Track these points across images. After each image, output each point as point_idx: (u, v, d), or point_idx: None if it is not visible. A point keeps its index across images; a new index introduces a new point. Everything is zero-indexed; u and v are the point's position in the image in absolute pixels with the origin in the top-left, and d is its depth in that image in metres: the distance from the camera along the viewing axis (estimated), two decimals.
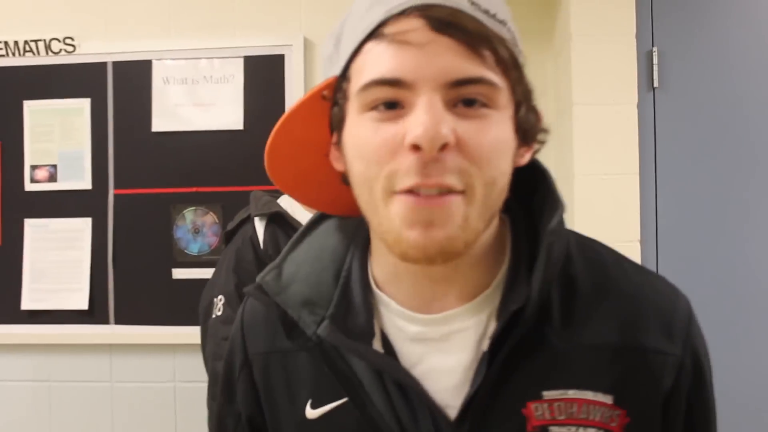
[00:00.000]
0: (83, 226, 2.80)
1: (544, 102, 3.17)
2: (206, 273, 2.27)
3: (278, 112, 2.72)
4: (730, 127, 2.58)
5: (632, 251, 2.58)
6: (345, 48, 0.77)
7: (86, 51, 2.83)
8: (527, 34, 3.07)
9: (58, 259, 2.80)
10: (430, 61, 0.70)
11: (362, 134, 0.73)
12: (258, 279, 0.88)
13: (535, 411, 0.76)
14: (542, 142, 0.82)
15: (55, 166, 2.82)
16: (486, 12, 0.73)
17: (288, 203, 2.29)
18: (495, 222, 0.81)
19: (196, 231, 2.73)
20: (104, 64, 2.82)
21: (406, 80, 0.70)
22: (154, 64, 2.81)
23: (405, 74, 0.70)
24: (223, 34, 2.81)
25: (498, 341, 0.76)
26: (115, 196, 2.79)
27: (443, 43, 0.70)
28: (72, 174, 2.81)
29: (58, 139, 2.82)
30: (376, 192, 0.73)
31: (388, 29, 0.72)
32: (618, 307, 0.80)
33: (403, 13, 0.72)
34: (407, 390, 0.79)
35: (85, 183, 2.81)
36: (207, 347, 2.18)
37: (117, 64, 2.82)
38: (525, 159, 0.80)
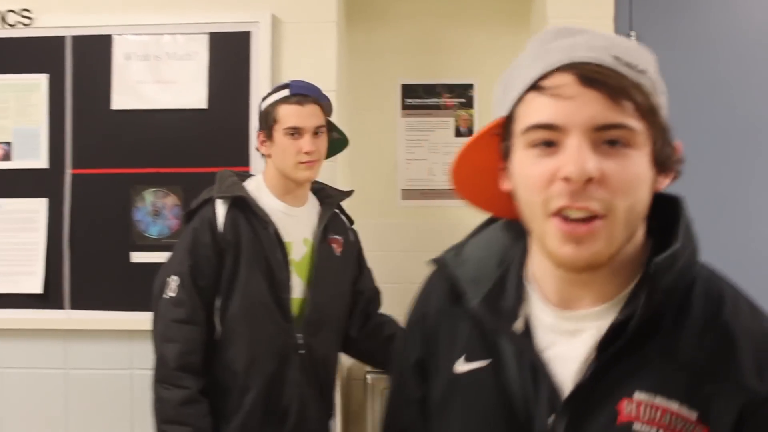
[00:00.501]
0: (38, 206, 2.68)
1: None
2: (166, 257, 2.17)
3: (243, 91, 2.64)
4: (709, 111, 2.52)
5: None
6: (511, 95, 0.95)
7: (44, 24, 2.71)
8: (502, 16, 2.99)
9: (11, 240, 2.68)
10: (579, 110, 0.87)
11: (527, 167, 0.92)
12: (442, 254, 1.12)
13: (625, 408, 0.90)
14: (679, 172, 0.97)
15: (9, 144, 2.70)
16: (628, 65, 0.89)
17: (255, 187, 2.22)
18: (636, 241, 0.95)
19: (156, 213, 2.64)
20: (62, 38, 2.71)
21: (560, 125, 0.88)
22: (115, 39, 2.69)
23: (559, 120, 0.88)
24: (188, 10, 2.70)
25: (606, 345, 0.92)
26: (73, 175, 2.68)
27: (589, 95, 0.87)
28: (27, 152, 2.69)
29: (13, 116, 2.70)
30: (536, 213, 0.91)
31: (546, 83, 0.90)
32: (719, 340, 0.91)
33: (558, 70, 0.90)
34: (536, 367, 0.96)
35: (41, 162, 2.69)
36: (157, 327, 2.10)
37: (76, 39, 2.71)
38: (663, 185, 0.95)
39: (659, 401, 0.89)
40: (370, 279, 2.48)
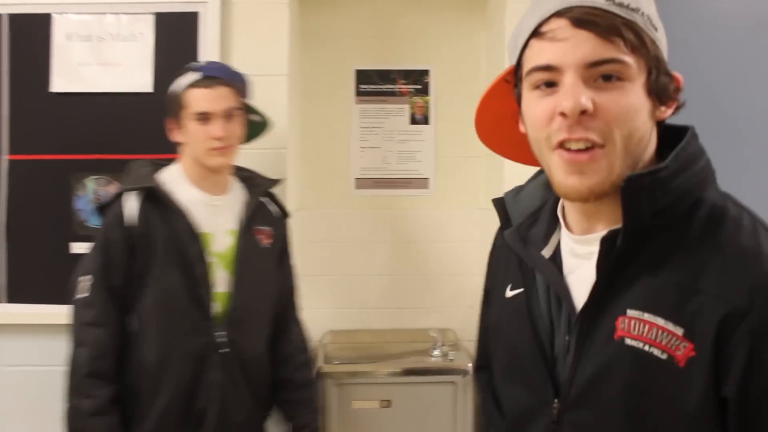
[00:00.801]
0: None
1: (475, 71, 3.09)
2: None
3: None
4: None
5: None
6: (517, 44, 1.05)
7: None
8: (459, 2, 2.90)
9: None
10: (573, 50, 0.95)
11: (531, 107, 1.01)
12: (504, 193, 1.22)
13: (621, 324, 0.97)
14: (679, 100, 1.03)
15: None
16: (620, 4, 0.96)
17: (172, 177, 2.09)
18: (642, 167, 1.00)
19: (98, 202, 2.50)
20: None
21: (555, 65, 0.97)
22: (55, 18, 2.56)
23: (554, 61, 0.97)
24: None
25: (601, 264, 1.00)
26: (10, 162, 2.55)
27: (582, 35, 0.96)
28: None
29: None
30: (542, 148, 1.00)
31: (543, 28, 0.99)
32: (709, 256, 0.94)
33: (554, 15, 0.98)
34: (560, 291, 1.07)
35: None
36: (71, 331, 1.99)
37: (13, 17, 2.57)
38: (667, 114, 1.02)
39: (647, 317, 0.94)
40: (287, 276, 2.32)
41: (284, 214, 2.30)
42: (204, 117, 2.03)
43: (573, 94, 0.95)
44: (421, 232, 3.10)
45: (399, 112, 3.09)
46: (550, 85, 0.98)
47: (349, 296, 3.10)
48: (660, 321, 0.94)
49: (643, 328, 0.95)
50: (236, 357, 2.05)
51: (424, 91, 3.09)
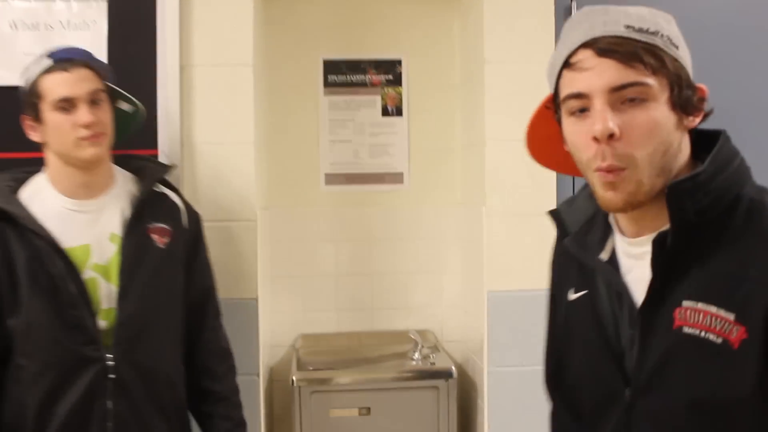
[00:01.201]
0: None
1: (450, 60, 2.96)
2: None
3: (149, 65, 2.30)
4: None
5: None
6: (553, 73, 1.15)
7: None
8: None
9: None
10: (599, 77, 1.06)
11: (570, 131, 1.13)
12: (558, 204, 1.33)
13: (678, 315, 1.06)
14: (704, 109, 1.12)
15: None
16: (639, 30, 1.07)
17: (36, 188, 1.83)
18: (680, 174, 1.10)
19: None
20: None
21: (585, 93, 1.07)
22: None
23: (584, 89, 1.07)
24: None
25: (655, 263, 1.10)
26: None
27: (606, 63, 1.06)
28: None
29: None
30: (584, 168, 1.12)
31: (572, 60, 1.10)
32: (753, 246, 1.04)
33: (581, 47, 1.09)
34: (619, 291, 1.17)
35: None
36: None
37: None
38: (695, 123, 1.11)
39: (701, 306, 1.04)
40: (200, 278, 2.03)
41: (187, 206, 2.01)
42: (66, 104, 1.76)
43: (602, 119, 1.05)
44: (396, 229, 2.97)
45: (370, 103, 2.95)
46: (583, 110, 1.09)
47: (322, 297, 2.96)
48: (713, 309, 1.03)
49: (698, 317, 1.04)
50: (134, 379, 1.78)
51: (396, 81, 2.95)
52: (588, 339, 1.22)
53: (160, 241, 1.87)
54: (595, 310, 1.21)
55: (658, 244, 1.08)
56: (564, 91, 1.12)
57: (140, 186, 1.90)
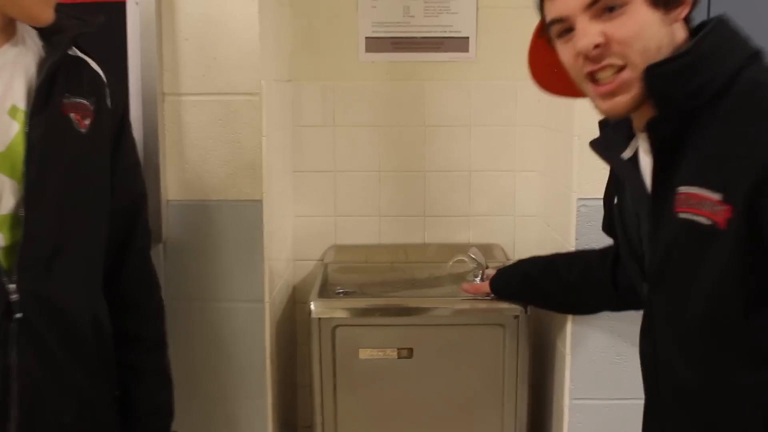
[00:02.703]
0: None
1: None
2: None
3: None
4: None
5: None
6: (536, 3, 1.21)
7: None
8: None
9: None
10: None
11: (561, 53, 1.18)
12: None
13: (677, 200, 1.08)
14: None
15: None
16: None
17: None
18: None
19: None
20: None
21: (564, 16, 1.13)
22: None
23: (562, 12, 1.13)
24: None
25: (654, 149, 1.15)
26: None
27: None
28: None
29: None
30: (579, 82, 1.16)
31: None
32: (745, 122, 1.03)
33: None
34: (636, 185, 1.21)
35: None
36: None
37: None
38: (683, 13, 1.11)
39: (694, 190, 1.04)
40: (130, 178, 1.45)
41: (109, 77, 1.39)
42: None
43: (583, 35, 1.08)
44: (457, 111, 2.32)
45: None
46: (569, 30, 1.11)
47: (359, 200, 2.36)
48: (703, 191, 1.03)
49: (692, 201, 1.04)
50: (47, 320, 1.23)
51: None
52: (621, 241, 1.32)
53: (80, 122, 1.27)
54: (622, 212, 1.28)
55: (653, 131, 1.11)
56: (547, 17, 1.16)
57: (53, 45, 1.27)
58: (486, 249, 2.18)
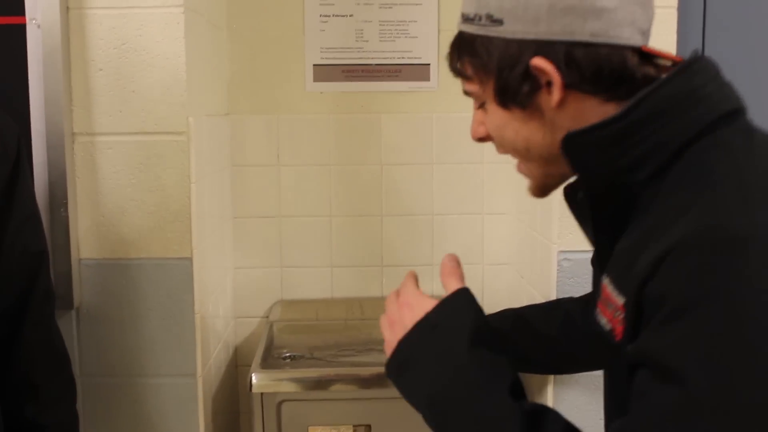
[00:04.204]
0: None
1: None
2: None
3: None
4: None
5: None
6: None
7: None
8: None
9: None
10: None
11: None
12: None
13: (601, 289, 0.93)
14: (547, 85, 0.90)
15: None
16: (465, 19, 0.95)
17: None
18: None
19: None
20: None
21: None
22: None
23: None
24: None
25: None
26: None
27: None
28: None
29: None
30: None
31: None
32: (663, 214, 0.84)
33: None
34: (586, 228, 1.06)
35: None
36: None
37: None
38: (555, 98, 0.90)
39: (607, 283, 0.90)
40: (24, 235, 1.25)
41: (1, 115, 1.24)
42: None
43: (473, 121, 1.01)
44: (418, 148, 2.11)
45: None
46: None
47: (308, 249, 2.14)
48: (612, 289, 0.88)
49: (604, 295, 0.90)
50: None
51: None
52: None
53: None
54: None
55: (572, 199, 1.00)
56: None
57: None
58: None
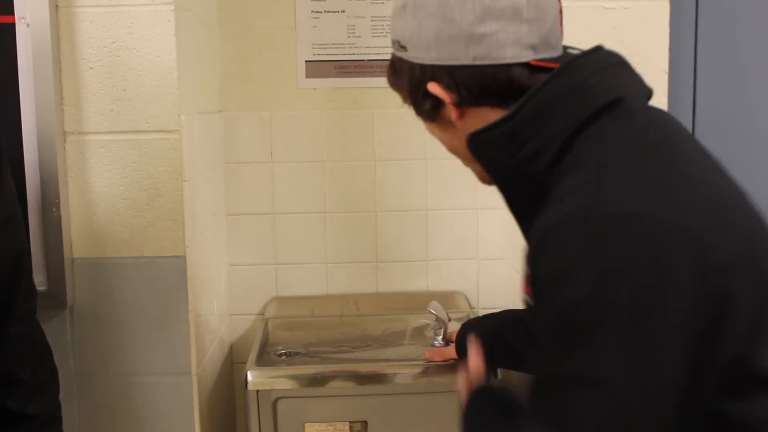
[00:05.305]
0: None
1: None
2: None
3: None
4: None
5: None
6: None
7: None
8: None
9: None
10: None
11: None
12: None
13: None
14: (443, 103, 1.02)
15: None
16: (394, 43, 1.06)
17: None
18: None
19: None
20: None
21: None
22: None
23: None
24: None
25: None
26: None
27: None
28: None
29: None
30: None
31: None
32: (549, 201, 0.92)
33: None
34: None
35: None
36: None
37: None
38: (452, 114, 1.02)
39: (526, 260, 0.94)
40: (7, 234, 1.22)
41: None
42: None
43: None
44: (411, 144, 2.10)
45: None
46: None
47: (302, 245, 2.12)
48: (526, 265, 0.93)
49: (528, 275, 0.94)
50: None
51: None
52: None
53: None
54: None
55: (501, 190, 1.08)
56: None
57: None
58: (447, 298, 1.98)
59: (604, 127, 0.93)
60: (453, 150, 1.10)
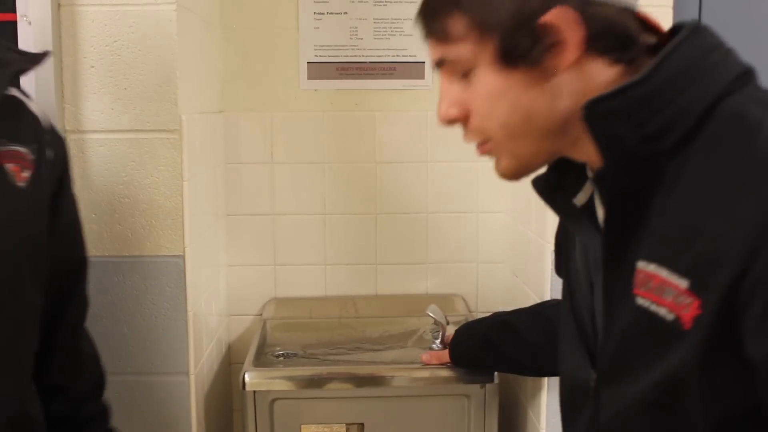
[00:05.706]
0: None
1: None
2: None
3: None
4: None
5: None
6: None
7: None
8: None
9: None
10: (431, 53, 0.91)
11: None
12: None
13: (635, 279, 0.81)
14: (565, 43, 0.81)
15: None
16: None
17: None
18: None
19: None
20: None
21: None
22: None
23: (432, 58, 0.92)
24: None
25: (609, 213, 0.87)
26: None
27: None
28: None
29: None
30: None
31: None
32: (718, 181, 0.75)
33: None
34: (587, 243, 0.96)
35: None
36: None
37: None
38: (568, 59, 0.82)
39: (653, 269, 0.78)
40: (71, 242, 1.23)
41: (51, 128, 1.17)
42: None
43: (440, 100, 0.89)
44: (411, 146, 2.09)
45: None
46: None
47: (302, 246, 2.11)
48: (666, 273, 0.77)
49: (652, 283, 0.78)
50: None
51: None
52: (564, 313, 1.03)
53: (17, 175, 1.05)
54: (570, 275, 1.01)
55: (603, 185, 0.84)
56: None
57: None
58: (446, 301, 1.98)
59: (755, 96, 0.80)
60: (527, 115, 0.85)
